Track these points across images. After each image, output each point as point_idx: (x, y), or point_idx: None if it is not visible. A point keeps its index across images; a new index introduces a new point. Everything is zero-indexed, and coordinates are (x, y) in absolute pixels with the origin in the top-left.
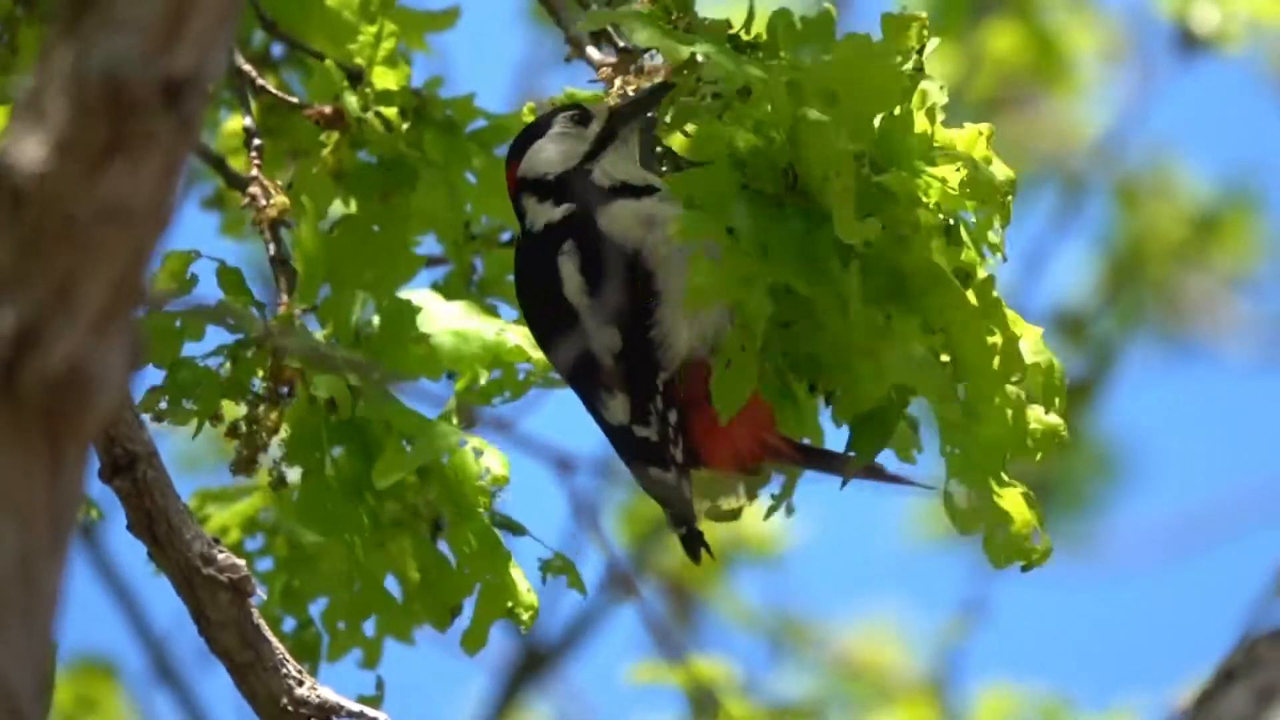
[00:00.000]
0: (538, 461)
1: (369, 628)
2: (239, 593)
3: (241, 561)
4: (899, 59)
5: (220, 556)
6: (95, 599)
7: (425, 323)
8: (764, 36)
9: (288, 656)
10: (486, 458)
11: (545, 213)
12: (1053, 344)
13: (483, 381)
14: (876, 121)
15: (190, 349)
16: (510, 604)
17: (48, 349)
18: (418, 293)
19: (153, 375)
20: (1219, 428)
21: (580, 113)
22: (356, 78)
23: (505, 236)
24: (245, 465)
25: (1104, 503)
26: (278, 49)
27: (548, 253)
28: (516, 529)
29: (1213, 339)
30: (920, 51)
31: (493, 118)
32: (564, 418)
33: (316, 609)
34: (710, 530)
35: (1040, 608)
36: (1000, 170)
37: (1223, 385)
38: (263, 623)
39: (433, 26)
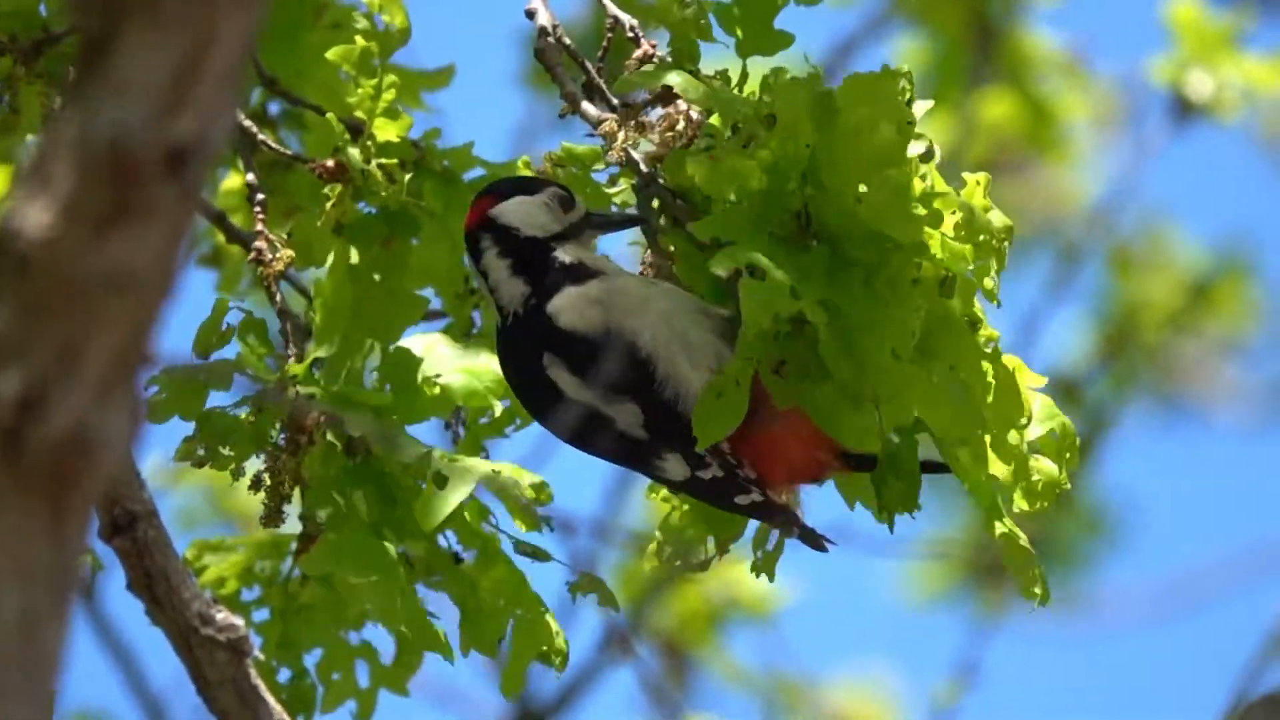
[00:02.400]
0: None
1: (363, 679)
2: (237, 652)
3: (240, 621)
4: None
5: (218, 616)
6: (92, 656)
7: (435, 364)
8: (756, 94)
9: (285, 716)
10: (523, 479)
11: (506, 281)
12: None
13: (497, 412)
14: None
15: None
16: (545, 646)
17: (52, 413)
18: (425, 336)
19: (180, 427)
20: (1211, 490)
21: (568, 197)
22: (356, 131)
23: None
24: (274, 516)
25: (1097, 563)
26: (275, 106)
27: (532, 361)
28: (541, 555)
29: (1205, 403)
30: (910, 103)
31: (491, 166)
32: (566, 478)
33: (312, 659)
34: (703, 590)
35: (1033, 667)
36: (997, 217)
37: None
38: (260, 683)
39: (428, 85)
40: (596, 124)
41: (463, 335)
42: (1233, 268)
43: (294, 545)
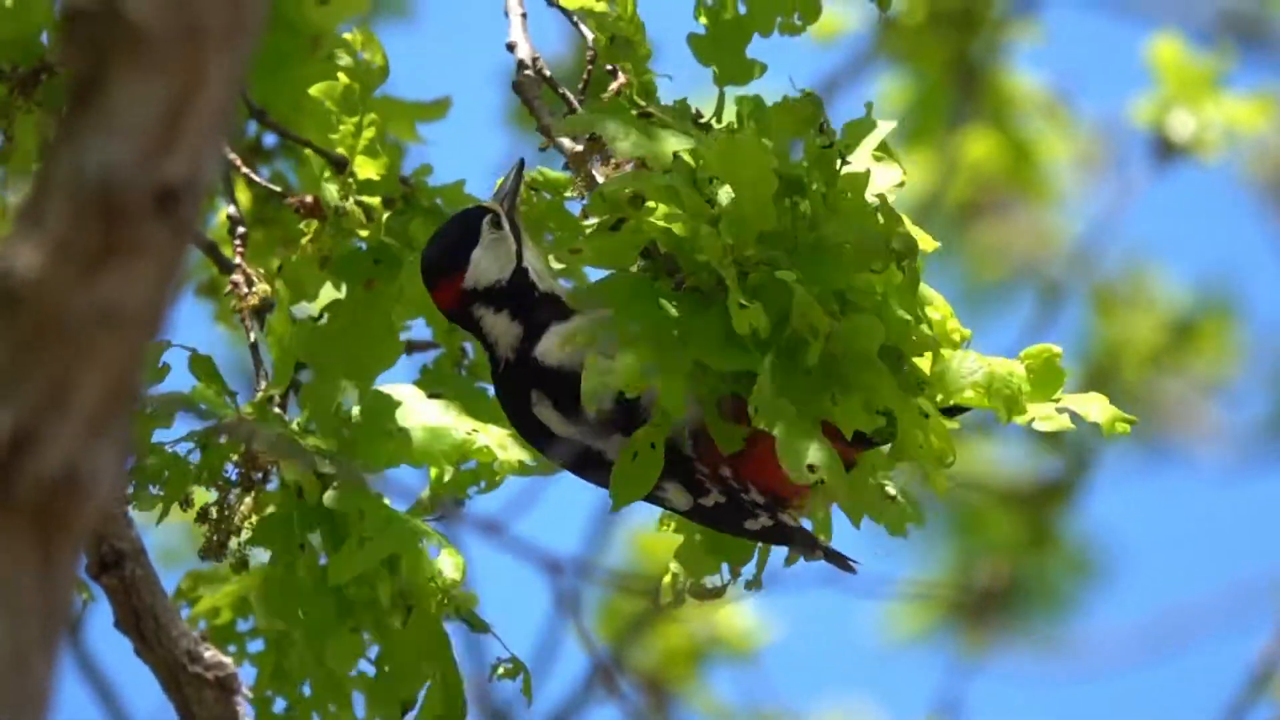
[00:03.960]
0: (525, 561)
1: (360, 708)
2: (225, 690)
3: (228, 659)
4: (770, 145)
5: (207, 654)
6: (75, 693)
7: (402, 416)
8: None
9: None
10: (442, 559)
11: (505, 330)
12: (1029, 448)
13: (447, 477)
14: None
15: (160, 435)
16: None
17: (42, 450)
18: (399, 387)
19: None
20: (1194, 530)
21: (492, 215)
22: (343, 166)
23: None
24: (214, 550)
25: (1079, 603)
26: (270, 138)
27: (522, 402)
28: (479, 626)
29: (1188, 443)
30: (822, 128)
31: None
32: (551, 518)
33: (308, 689)
34: (685, 627)
35: (1015, 707)
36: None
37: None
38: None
39: (424, 116)
40: (570, 156)
41: (454, 367)
42: (1215, 308)
43: None
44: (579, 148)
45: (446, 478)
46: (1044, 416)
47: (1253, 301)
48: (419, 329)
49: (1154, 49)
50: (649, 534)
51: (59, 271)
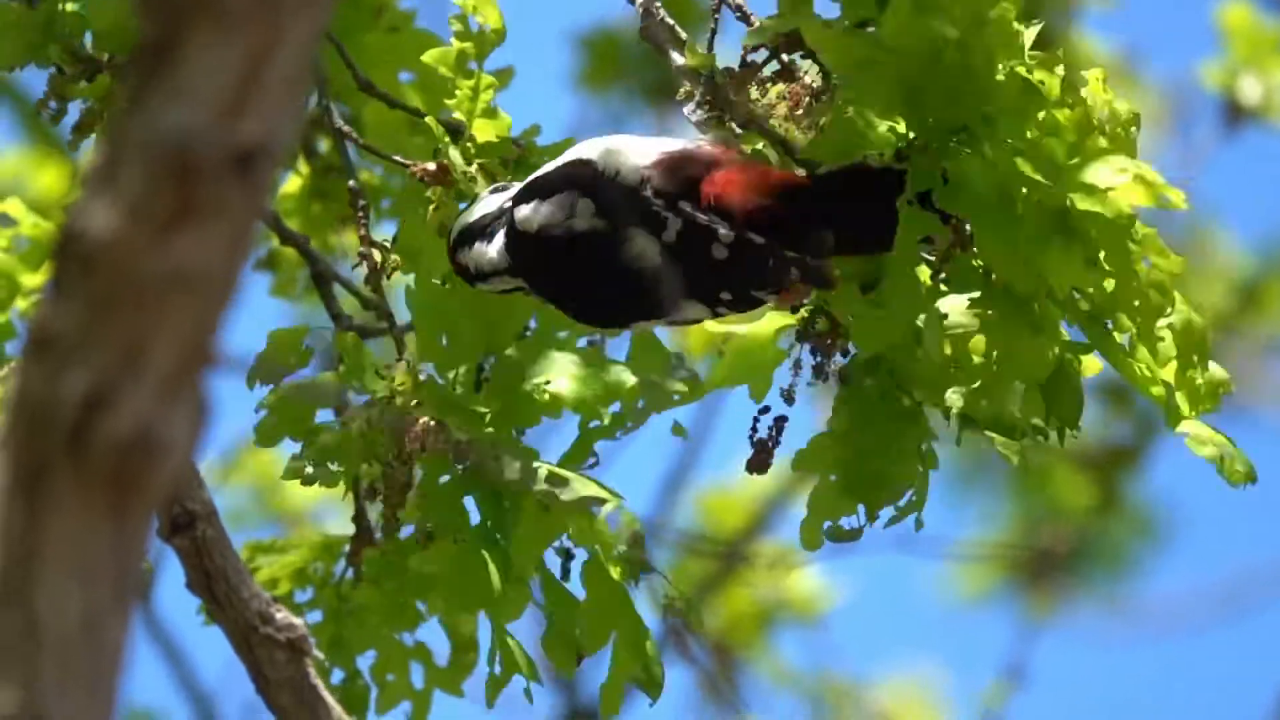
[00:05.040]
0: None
1: (418, 680)
2: (296, 651)
3: (299, 621)
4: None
5: (278, 616)
6: (143, 655)
7: (542, 370)
8: None
9: (344, 715)
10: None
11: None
12: (1096, 412)
13: (605, 420)
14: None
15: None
16: (643, 670)
17: (116, 412)
18: (538, 343)
19: (224, 428)
20: (1261, 492)
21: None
22: (455, 132)
23: None
24: (390, 528)
25: (1145, 566)
26: (336, 109)
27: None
28: (647, 567)
29: (1254, 405)
30: None
31: None
32: (621, 480)
33: (365, 661)
34: (752, 591)
35: (1081, 669)
36: (1122, 106)
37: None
38: (319, 682)
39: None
40: (688, 96)
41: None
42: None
43: (347, 547)
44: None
45: (605, 420)
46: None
47: None
48: None
49: (1224, 12)
50: (718, 496)
51: (133, 233)
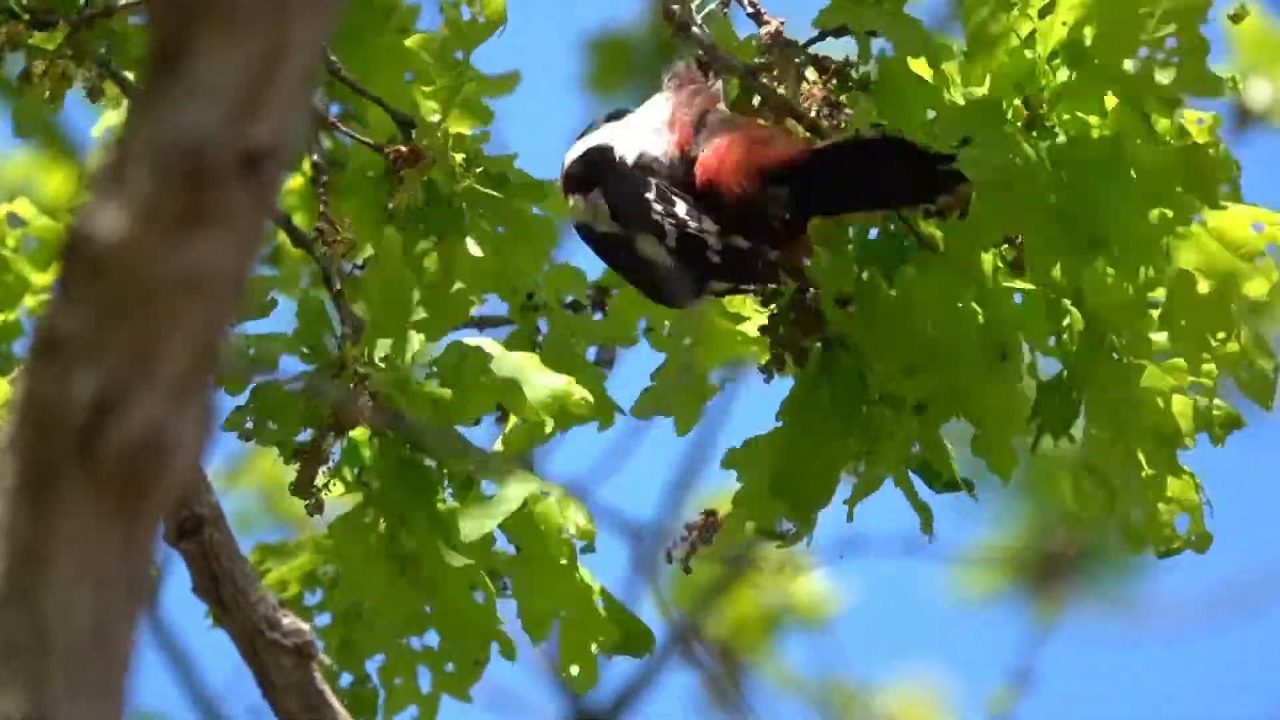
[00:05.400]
0: (606, 527)
1: (425, 685)
2: (303, 656)
3: (306, 626)
4: None
5: (285, 621)
6: (150, 659)
7: (481, 364)
8: None
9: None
10: (572, 512)
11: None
12: None
13: (548, 428)
14: None
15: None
16: (598, 637)
17: (126, 416)
18: (478, 339)
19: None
20: (1270, 492)
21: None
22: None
23: (569, 300)
24: (305, 488)
25: (1153, 567)
26: (335, 108)
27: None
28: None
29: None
30: None
31: (527, 179)
32: (629, 483)
33: (373, 665)
34: (757, 595)
35: (1090, 672)
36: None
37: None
38: (326, 687)
39: (492, 90)
40: (731, 68)
41: (529, 345)
42: None
43: None
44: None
45: (548, 429)
46: None
47: None
48: (494, 305)
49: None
50: (724, 500)
51: (142, 236)
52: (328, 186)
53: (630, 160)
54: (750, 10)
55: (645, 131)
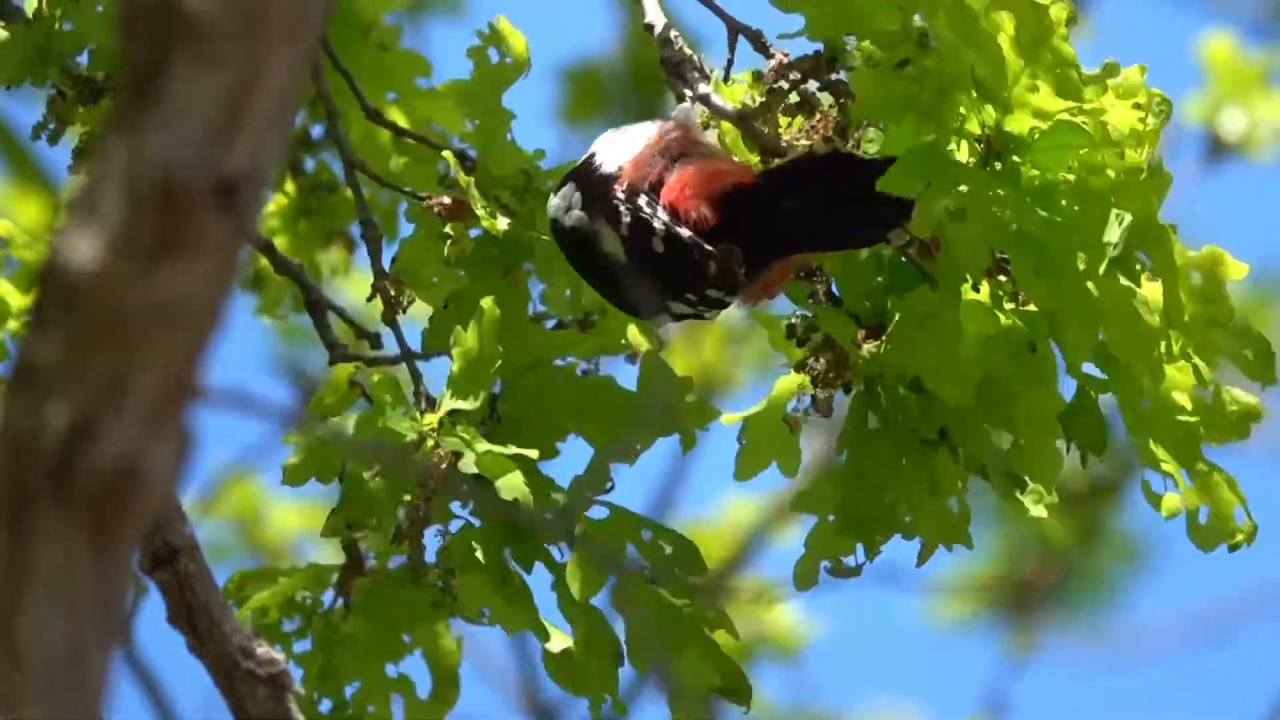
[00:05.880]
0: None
1: (398, 713)
2: (277, 687)
3: (280, 656)
4: None
5: (259, 651)
6: (123, 688)
7: (555, 398)
8: None
9: None
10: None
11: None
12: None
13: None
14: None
15: None
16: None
17: (100, 444)
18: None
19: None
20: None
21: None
22: (462, 160)
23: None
24: (416, 571)
25: (1129, 593)
26: (317, 130)
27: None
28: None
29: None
30: None
31: None
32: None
33: (353, 690)
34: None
35: (1064, 700)
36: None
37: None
38: (301, 717)
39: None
40: (722, 114)
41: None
42: (1265, 301)
43: (335, 577)
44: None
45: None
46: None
47: None
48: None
49: (1206, 46)
50: (699, 529)
51: (117, 265)
52: (379, 242)
53: (607, 163)
54: (756, 44)
55: (627, 147)
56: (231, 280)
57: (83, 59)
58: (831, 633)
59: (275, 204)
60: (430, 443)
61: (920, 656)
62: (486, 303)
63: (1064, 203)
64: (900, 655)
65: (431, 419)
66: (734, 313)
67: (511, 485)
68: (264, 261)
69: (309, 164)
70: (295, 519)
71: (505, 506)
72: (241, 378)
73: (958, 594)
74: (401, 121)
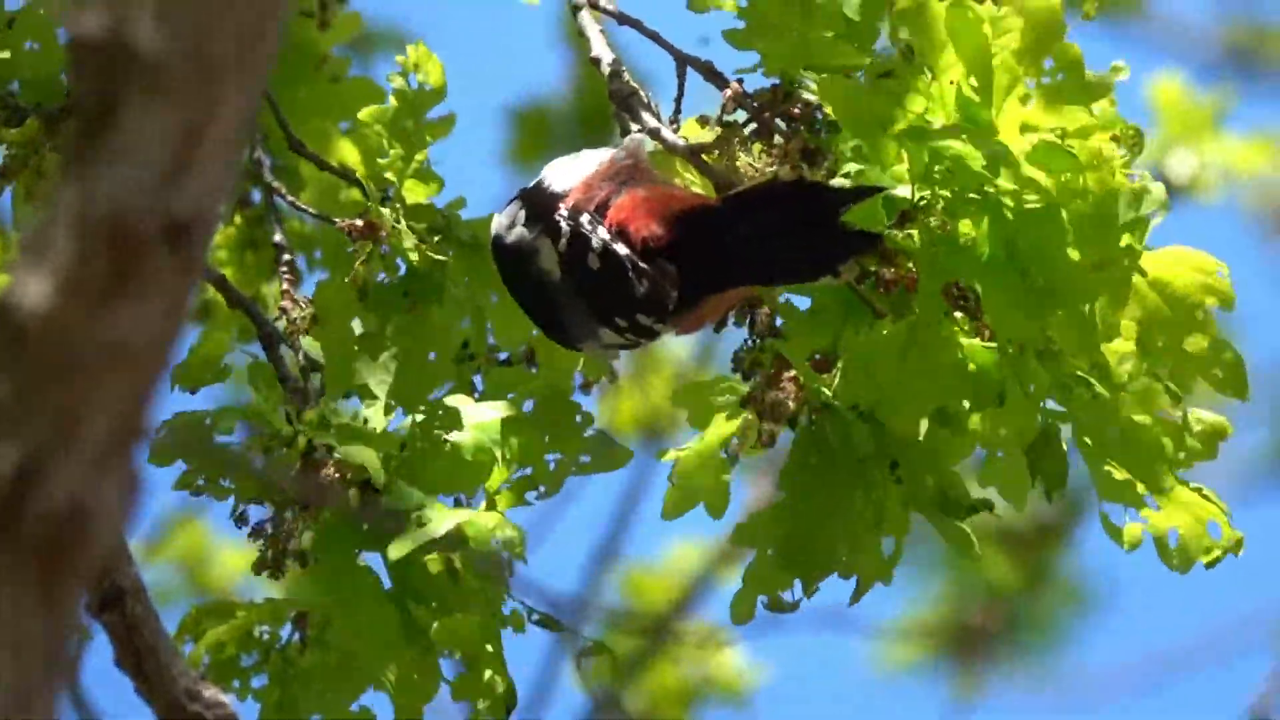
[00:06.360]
0: (529, 602)
1: None
2: None
3: (226, 699)
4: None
5: (206, 693)
6: None
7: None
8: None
9: None
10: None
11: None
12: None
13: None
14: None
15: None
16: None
17: (48, 486)
18: (452, 398)
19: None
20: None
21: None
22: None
23: (503, 356)
24: (268, 566)
25: (1075, 637)
26: (267, 161)
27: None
28: (553, 625)
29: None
30: None
31: None
32: (548, 557)
33: None
34: (678, 669)
35: None
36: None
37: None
38: None
39: (430, 134)
40: (673, 148)
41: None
42: None
43: (293, 612)
44: (678, 143)
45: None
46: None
47: (1250, 334)
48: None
49: (1155, 88)
50: (645, 573)
51: (67, 305)
52: (291, 266)
53: (555, 185)
54: (706, 75)
55: (578, 170)
56: (181, 321)
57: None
58: (778, 676)
59: (223, 235)
60: (303, 441)
61: (867, 701)
62: (349, 312)
63: (1048, 226)
64: (847, 699)
65: (311, 415)
66: (684, 355)
67: (367, 465)
68: (213, 292)
69: (256, 196)
70: (241, 561)
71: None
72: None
73: (905, 638)
74: (354, 153)
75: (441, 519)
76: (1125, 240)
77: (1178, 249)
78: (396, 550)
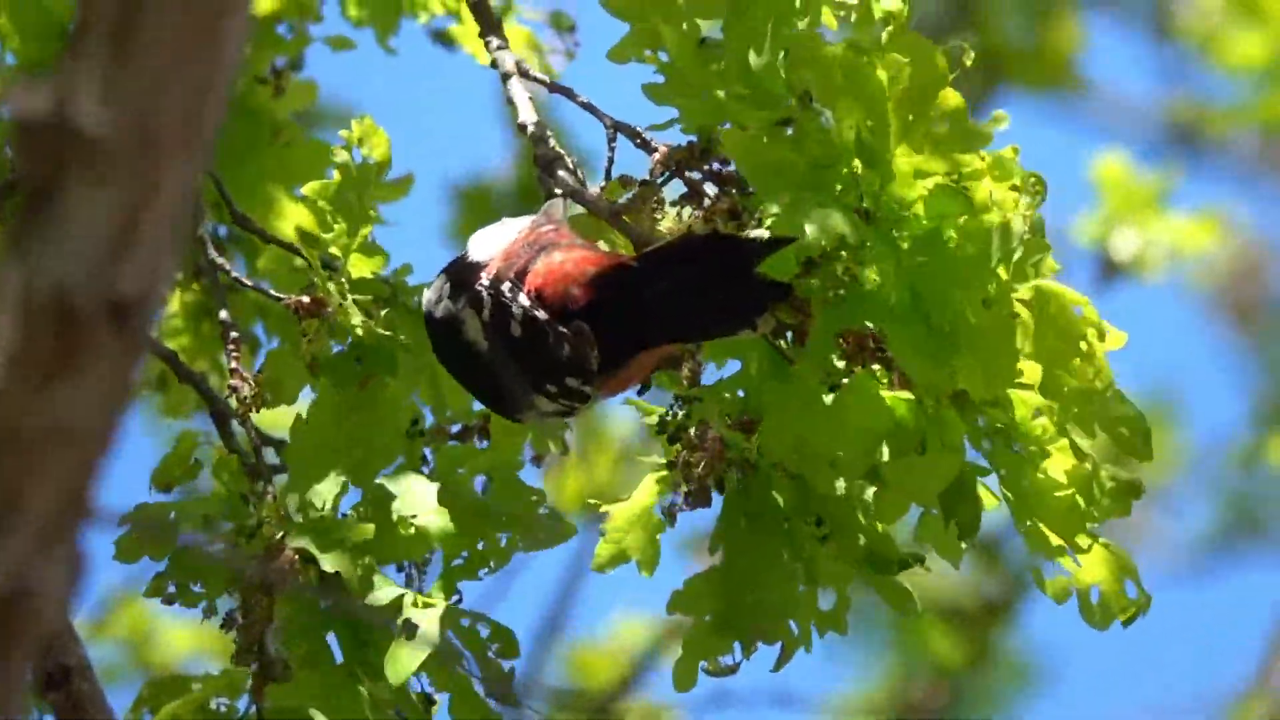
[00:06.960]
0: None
1: None
2: None
3: None
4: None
5: None
6: None
7: (410, 504)
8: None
9: None
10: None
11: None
12: (969, 566)
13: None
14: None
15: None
16: None
17: None
18: (401, 475)
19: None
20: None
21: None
22: (326, 265)
23: (455, 429)
24: (244, 656)
25: (1019, 715)
26: (222, 230)
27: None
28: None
29: (1130, 552)
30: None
31: None
32: (515, 615)
33: None
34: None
35: None
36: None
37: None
38: None
39: (384, 197)
40: (595, 209)
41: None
42: (1155, 418)
43: (249, 682)
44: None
45: (459, 561)
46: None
47: (1194, 413)
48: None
49: (1098, 166)
50: (589, 651)
51: (10, 385)
52: (238, 343)
53: (478, 257)
54: (637, 141)
55: (499, 240)
56: (126, 399)
57: None
58: None
59: (179, 303)
60: (267, 529)
61: None
62: (320, 391)
63: (945, 269)
64: None
65: (270, 507)
66: (627, 431)
67: (335, 560)
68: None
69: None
70: (186, 639)
71: (342, 599)
72: (140, 493)
73: (850, 715)
74: (309, 218)
75: (436, 622)
76: (1002, 275)
77: (1045, 283)
78: (397, 670)
